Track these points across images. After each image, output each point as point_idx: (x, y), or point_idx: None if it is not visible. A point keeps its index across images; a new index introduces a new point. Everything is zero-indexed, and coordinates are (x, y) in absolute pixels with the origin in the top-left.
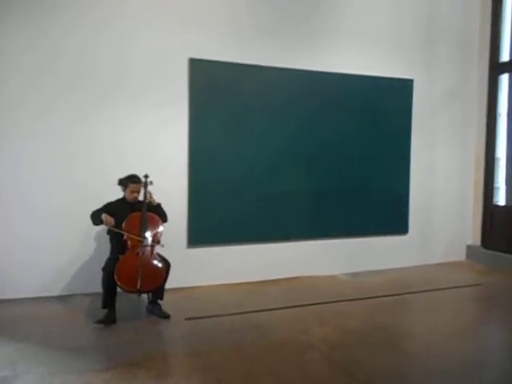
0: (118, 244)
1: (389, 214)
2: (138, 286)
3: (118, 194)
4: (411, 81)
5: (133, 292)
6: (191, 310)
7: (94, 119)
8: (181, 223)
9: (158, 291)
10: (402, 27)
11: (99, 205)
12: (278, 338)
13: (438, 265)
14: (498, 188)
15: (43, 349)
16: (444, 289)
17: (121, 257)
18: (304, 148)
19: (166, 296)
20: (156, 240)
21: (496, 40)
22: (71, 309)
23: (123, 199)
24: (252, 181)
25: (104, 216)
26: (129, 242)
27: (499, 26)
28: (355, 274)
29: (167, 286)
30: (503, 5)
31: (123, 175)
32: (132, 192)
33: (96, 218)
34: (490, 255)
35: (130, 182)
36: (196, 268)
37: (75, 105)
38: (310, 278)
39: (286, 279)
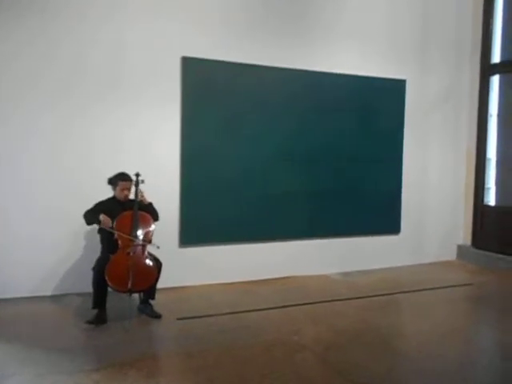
0: (110, 243)
1: (381, 214)
2: (129, 285)
3: (111, 193)
4: (404, 81)
5: (124, 292)
6: (183, 309)
7: (92, 118)
8: (173, 222)
9: (149, 291)
10: (396, 28)
11: (91, 203)
12: (270, 338)
13: (429, 264)
14: (488, 188)
15: (32, 349)
16: (436, 288)
17: (111, 256)
18: (296, 148)
19: (158, 296)
20: (147, 239)
21: (487, 42)
22: (62, 309)
23: (113, 198)
24: (244, 180)
25: (102, 216)
26: (120, 242)
27: (490, 27)
28: (348, 274)
29: (159, 285)
30: (494, 7)
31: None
32: (122, 190)
33: (91, 217)
34: (481, 255)
35: (119, 180)
36: (188, 267)
37: (71, 105)
38: (302, 277)
39: (278, 279)
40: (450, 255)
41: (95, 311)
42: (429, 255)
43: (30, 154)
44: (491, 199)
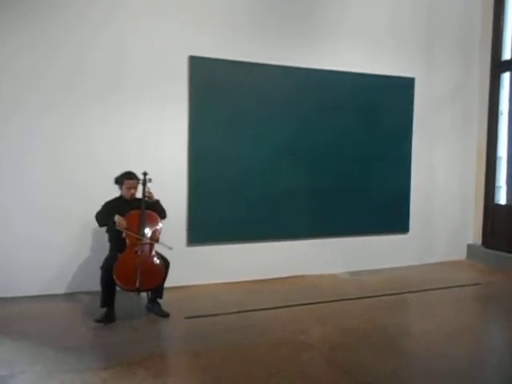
0: (118, 242)
1: (389, 213)
2: (137, 284)
3: (117, 192)
4: (412, 79)
5: (132, 291)
6: (191, 308)
7: (93, 118)
8: (180, 221)
9: (157, 290)
10: (403, 25)
11: (99, 203)
12: (277, 337)
13: (438, 264)
14: (499, 187)
15: (41, 347)
16: (445, 288)
17: (119, 255)
18: (304, 146)
19: (166, 294)
20: (155, 238)
21: (498, 38)
22: (71, 307)
23: (120, 197)
24: (252, 179)
25: (117, 218)
26: (127, 240)
27: (501, 23)
28: (356, 273)
29: (166, 284)
30: (505, 2)
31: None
32: (129, 189)
33: (105, 219)
34: (491, 254)
35: (125, 178)
36: (195, 266)
37: (75, 104)
38: (310, 277)
39: (286, 278)
40: (460, 255)
41: (104, 310)
42: (438, 254)
43: (30, 154)
44: (502, 198)
